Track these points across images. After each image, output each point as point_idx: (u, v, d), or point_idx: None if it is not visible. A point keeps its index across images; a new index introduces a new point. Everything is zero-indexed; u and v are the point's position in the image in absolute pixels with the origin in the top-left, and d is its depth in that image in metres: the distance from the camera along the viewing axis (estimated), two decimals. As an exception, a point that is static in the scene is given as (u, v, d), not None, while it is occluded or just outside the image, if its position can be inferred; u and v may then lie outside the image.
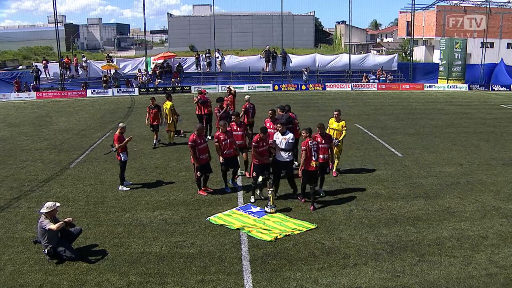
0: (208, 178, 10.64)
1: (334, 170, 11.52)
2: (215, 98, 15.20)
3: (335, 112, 11.63)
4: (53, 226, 7.24)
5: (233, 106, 15.79)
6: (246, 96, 15.12)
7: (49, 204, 7.44)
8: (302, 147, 9.51)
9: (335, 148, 11.28)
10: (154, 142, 15.18)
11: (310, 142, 9.45)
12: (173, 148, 15.13)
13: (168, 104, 15.28)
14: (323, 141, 9.82)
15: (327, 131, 10.93)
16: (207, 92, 17.81)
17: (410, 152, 14.21)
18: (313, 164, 9.41)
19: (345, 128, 11.59)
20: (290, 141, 9.74)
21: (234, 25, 60.52)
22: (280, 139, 9.81)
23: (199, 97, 15.96)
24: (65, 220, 7.43)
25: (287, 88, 33.01)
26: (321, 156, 9.73)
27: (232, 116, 11.65)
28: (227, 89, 16.78)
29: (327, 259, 7.31)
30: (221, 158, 10.26)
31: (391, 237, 8.10)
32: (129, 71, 35.34)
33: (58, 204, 7.55)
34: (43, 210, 7.36)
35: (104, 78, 32.61)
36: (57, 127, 19.54)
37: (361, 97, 29.04)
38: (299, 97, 29.23)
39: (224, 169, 10.52)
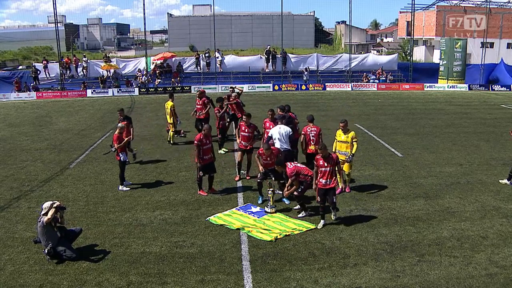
0: (213, 179, 10.61)
1: (347, 186, 10.41)
2: (215, 98, 15.22)
3: (341, 124, 10.25)
4: (47, 216, 7.22)
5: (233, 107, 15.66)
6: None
7: (45, 204, 7.44)
8: (302, 133, 10.71)
9: (347, 164, 10.18)
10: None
11: (308, 129, 10.57)
12: (173, 148, 15.14)
13: (169, 104, 15.30)
14: (325, 164, 8.50)
15: (334, 144, 10.37)
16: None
17: (410, 152, 14.21)
18: (312, 147, 10.40)
19: (356, 140, 10.19)
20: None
21: (234, 25, 60.47)
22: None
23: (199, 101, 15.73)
24: (54, 206, 7.37)
25: (287, 88, 33.01)
26: (322, 181, 8.53)
27: (244, 116, 11.59)
28: (230, 89, 16.63)
29: (327, 259, 7.31)
30: (261, 168, 9.76)
31: (391, 237, 8.10)
32: (129, 71, 35.36)
33: (57, 203, 7.52)
34: (43, 212, 7.37)
35: (102, 78, 32.57)
36: (57, 127, 19.55)
37: (361, 97, 29.05)
38: (299, 97, 29.22)
39: (261, 179, 9.89)
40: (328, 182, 8.52)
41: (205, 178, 10.41)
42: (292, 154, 10.90)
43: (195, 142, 10.09)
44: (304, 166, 9.34)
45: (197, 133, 10.95)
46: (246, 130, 11.11)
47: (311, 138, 10.50)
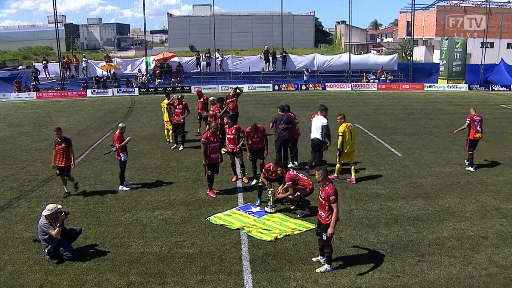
0: (213, 180, 10.58)
1: (335, 174, 11.28)
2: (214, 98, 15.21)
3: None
4: (54, 232, 7.29)
5: (236, 107, 15.64)
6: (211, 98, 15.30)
7: (50, 206, 7.44)
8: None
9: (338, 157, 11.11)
10: (66, 190, 10.54)
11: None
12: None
13: (164, 103, 15.40)
14: (320, 193, 6.83)
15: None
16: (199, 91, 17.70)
17: (410, 152, 14.21)
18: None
19: (341, 134, 10.83)
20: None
21: (234, 25, 60.47)
22: None
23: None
24: (58, 222, 7.38)
25: (287, 88, 33.00)
26: (319, 211, 6.94)
27: (225, 119, 11.55)
28: (232, 90, 16.55)
29: (327, 259, 7.30)
30: (266, 182, 9.71)
31: (391, 237, 8.10)
32: (129, 71, 35.32)
33: (59, 206, 7.54)
34: (45, 213, 7.37)
35: (97, 78, 32.47)
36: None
37: (361, 97, 29.04)
38: (299, 97, 29.22)
39: (263, 185, 9.83)
40: (321, 215, 6.88)
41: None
42: (321, 143, 11.45)
43: (202, 139, 10.13)
44: (306, 178, 9.37)
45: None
46: (230, 132, 11.11)
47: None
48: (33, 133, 18.38)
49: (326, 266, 6.95)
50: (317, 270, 6.94)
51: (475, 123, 12.23)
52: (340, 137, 10.87)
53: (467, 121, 12.32)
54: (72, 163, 10.56)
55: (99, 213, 9.42)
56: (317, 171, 6.91)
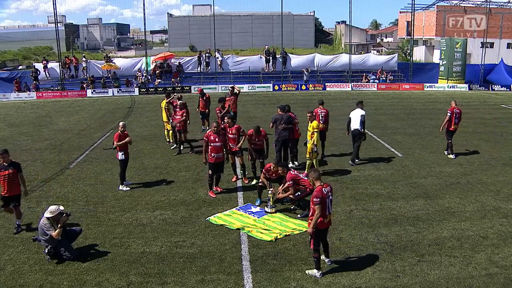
0: (220, 178, 10.61)
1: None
2: (215, 98, 15.23)
3: (307, 114, 11.56)
4: (54, 233, 7.29)
5: (235, 106, 15.71)
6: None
7: (52, 208, 7.43)
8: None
9: (309, 152, 11.33)
10: (17, 222, 8.58)
11: (319, 110, 12.55)
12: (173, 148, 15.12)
13: (163, 103, 15.40)
14: (311, 199, 6.66)
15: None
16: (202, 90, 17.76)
17: (410, 152, 14.21)
18: (321, 126, 11.94)
19: (316, 130, 11.19)
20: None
21: (234, 25, 60.52)
22: None
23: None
24: (59, 224, 7.37)
25: (287, 88, 33.01)
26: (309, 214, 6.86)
27: (225, 118, 11.53)
28: (230, 88, 16.63)
29: (327, 259, 7.30)
30: (266, 182, 9.74)
31: (391, 237, 8.10)
32: (128, 69, 35.28)
33: (62, 207, 7.54)
34: (47, 215, 7.36)
35: (92, 79, 32.41)
36: (57, 127, 19.55)
37: (361, 97, 28.95)
38: (299, 97, 29.21)
39: (262, 184, 9.85)
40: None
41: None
42: (360, 133, 12.28)
43: (204, 138, 10.25)
44: (307, 179, 9.34)
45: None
46: (231, 132, 11.09)
47: (321, 118, 12.50)
48: (33, 133, 18.37)
49: (315, 271, 6.81)
50: (307, 271, 6.89)
51: (454, 115, 13.40)
52: (315, 133, 11.14)
53: (448, 113, 13.49)
54: (23, 191, 8.68)
55: (99, 213, 9.42)
56: (309, 173, 7.12)
